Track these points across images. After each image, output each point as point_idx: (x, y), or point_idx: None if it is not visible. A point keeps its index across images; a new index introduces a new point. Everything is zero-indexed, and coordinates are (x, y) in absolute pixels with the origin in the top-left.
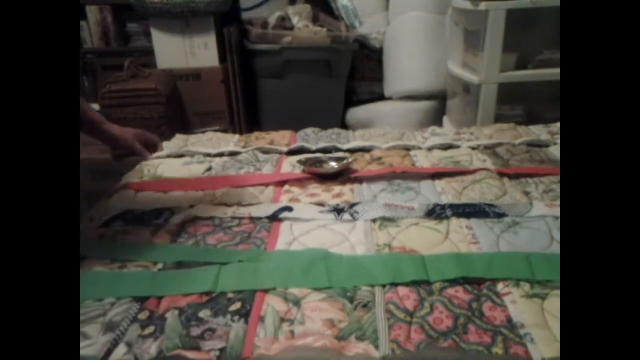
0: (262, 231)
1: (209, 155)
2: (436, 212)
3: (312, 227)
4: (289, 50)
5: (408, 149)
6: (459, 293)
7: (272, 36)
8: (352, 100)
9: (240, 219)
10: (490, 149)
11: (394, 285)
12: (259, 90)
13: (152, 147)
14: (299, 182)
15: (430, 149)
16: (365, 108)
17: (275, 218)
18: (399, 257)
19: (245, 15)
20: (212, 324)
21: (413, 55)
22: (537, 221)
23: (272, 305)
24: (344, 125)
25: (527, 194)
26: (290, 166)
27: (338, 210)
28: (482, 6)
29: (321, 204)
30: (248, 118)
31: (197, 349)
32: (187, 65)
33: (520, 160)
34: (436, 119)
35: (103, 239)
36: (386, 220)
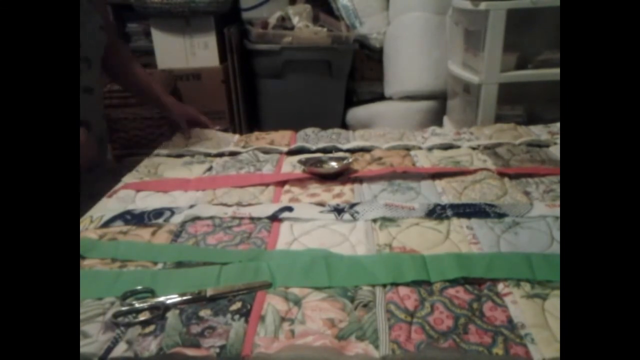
0: (262, 231)
1: (209, 155)
2: (436, 212)
3: (312, 227)
4: (289, 50)
5: (408, 148)
6: (459, 293)
7: (272, 36)
8: (352, 100)
9: (240, 219)
10: (490, 149)
11: (395, 285)
12: (259, 90)
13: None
14: (299, 182)
15: (430, 149)
16: (365, 108)
17: (275, 218)
18: (400, 257)
19: (245, 15)
20: (212, 322)
21: (413, 55)
22: (537, 221)
23: (273, 304)
24: (344, 125)
25: (527, 194)
26: (291, 166)
27: (338, 210)
28: (482, 6)
29: (321, 204)
30: (248, 118)
31: (197, 346)
32: (187, 65)
33: (520, 160)
34: (436, 119)
35: (103, 239)
36: (386, 220)
